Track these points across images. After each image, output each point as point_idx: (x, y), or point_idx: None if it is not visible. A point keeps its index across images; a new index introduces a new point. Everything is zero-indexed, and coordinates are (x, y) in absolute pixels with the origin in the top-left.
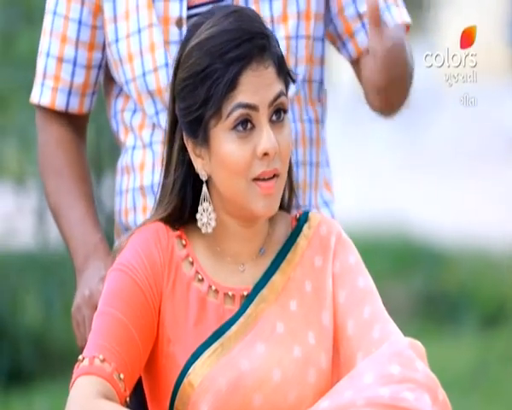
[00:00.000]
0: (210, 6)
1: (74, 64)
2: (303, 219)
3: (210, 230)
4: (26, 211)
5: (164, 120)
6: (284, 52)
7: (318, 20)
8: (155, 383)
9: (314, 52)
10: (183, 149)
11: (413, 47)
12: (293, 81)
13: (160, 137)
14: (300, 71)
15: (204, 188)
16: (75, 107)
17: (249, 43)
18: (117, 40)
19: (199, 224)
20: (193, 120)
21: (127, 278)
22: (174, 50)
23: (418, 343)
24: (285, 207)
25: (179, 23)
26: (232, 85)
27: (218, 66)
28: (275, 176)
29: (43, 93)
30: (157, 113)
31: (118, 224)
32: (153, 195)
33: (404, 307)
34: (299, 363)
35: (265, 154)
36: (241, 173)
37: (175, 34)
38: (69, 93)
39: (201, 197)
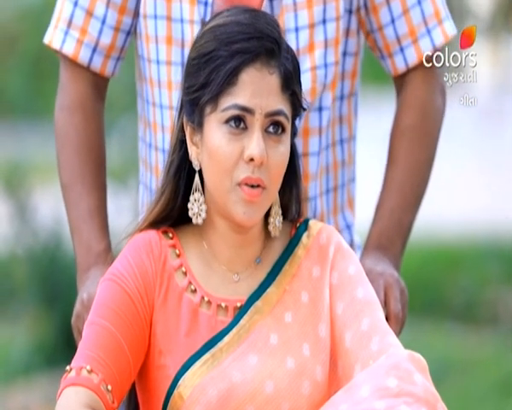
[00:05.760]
0: None
1: (103, 22)
2: (302, 227)
3: (200, 221)
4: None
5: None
6: (310, 83)
7: (351, 37)
8: (147, 395)
9: (345, 68)
10: (183, 132)
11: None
12: (304, 109)
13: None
14: (328, 97)
15: (196, 177)
16: (98, 66)
17: (258, 41)
18: (155, 17)
19: (190, 213)
20: (191, 101)
21: (117, 288)
22: None
23: (419, 356)
24: (290, 218)
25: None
26: (232, 79)
27: (222, 53)
28: (260, 186)
29: (67, 42)
30: (163, 106)
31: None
32: None
33: None
34: (292, 375)
35: (251, 159)
36: (226, 172)
37: None
38: (94, 50)
39: (193, 187)
